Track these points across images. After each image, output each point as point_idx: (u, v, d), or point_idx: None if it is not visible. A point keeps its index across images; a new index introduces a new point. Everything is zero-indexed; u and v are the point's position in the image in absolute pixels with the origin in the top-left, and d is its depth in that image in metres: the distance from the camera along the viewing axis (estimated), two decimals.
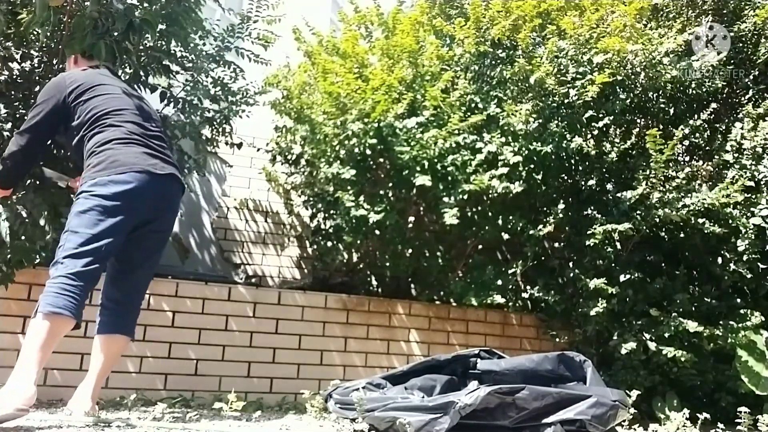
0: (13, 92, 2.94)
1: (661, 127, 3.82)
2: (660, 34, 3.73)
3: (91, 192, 2.14)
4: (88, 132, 2.28)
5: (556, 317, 3.77)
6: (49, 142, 2.51)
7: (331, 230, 3.85)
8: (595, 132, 3.80)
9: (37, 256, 2.66)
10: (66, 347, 2.63)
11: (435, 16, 4.03)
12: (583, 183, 3.81)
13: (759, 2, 3.85)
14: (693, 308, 3.55)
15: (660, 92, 3.85)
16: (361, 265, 4.13)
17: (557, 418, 2.07)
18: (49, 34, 2.78)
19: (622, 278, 3.52)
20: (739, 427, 2.66)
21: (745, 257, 3.46)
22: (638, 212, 3.46)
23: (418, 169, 3.36)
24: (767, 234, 3.50)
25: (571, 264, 3.73)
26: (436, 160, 3.39)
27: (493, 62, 3.78)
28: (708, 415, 2.78)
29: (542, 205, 3.80)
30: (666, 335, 3.34)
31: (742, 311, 3.49)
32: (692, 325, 3.29)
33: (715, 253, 3.65)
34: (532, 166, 3.54)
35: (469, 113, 3.55)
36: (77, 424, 1.98)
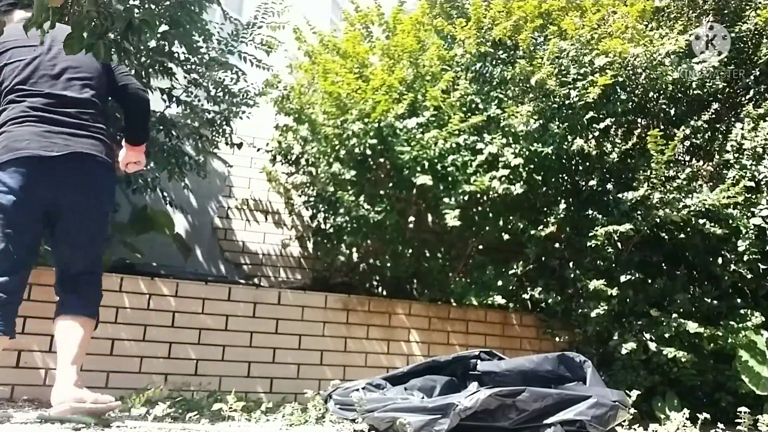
0: None
1: (662, 127, 3.82)
2: (661, 34, 3.73)
3: None
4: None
5: (556, 317, 3.77)
6: None
7: (331, 230, 3.84)
8: (596, 133, 3.79)
9: None
10: None
11: (436, 16, 4.02)
12: (583, 184, 3.81)
13: (760, 3, 3.85)
14: (693, 308, 3.55)
15: (661, 93, 3.84)
16: (361, 265, 4.13)
17: (557, 419, 2.08)
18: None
19: (622, 279, 3.52)
20: (739, 427, 2.67)
21: (745, 257, 3.45)
22: (639, 213, 3.46)
23: (418, 169, 3.36)
24: (767, 234, 3.50)
25: (571, 264, 3.72)
26: (436, 161, 3.39)
27: (494, 63, 3.78)
28: (708, 415, 2.78)
29: (543, 205, 3.79)
30: (666, 335, 3.34)
31: (742, 311, 3.49)
32: (692, 326, 3.29)
33: (715, 253, 3.65)
34: (532, 167, 3.54)
35: (469, 114, 3.55)
36: (77, 423, 1.98)
